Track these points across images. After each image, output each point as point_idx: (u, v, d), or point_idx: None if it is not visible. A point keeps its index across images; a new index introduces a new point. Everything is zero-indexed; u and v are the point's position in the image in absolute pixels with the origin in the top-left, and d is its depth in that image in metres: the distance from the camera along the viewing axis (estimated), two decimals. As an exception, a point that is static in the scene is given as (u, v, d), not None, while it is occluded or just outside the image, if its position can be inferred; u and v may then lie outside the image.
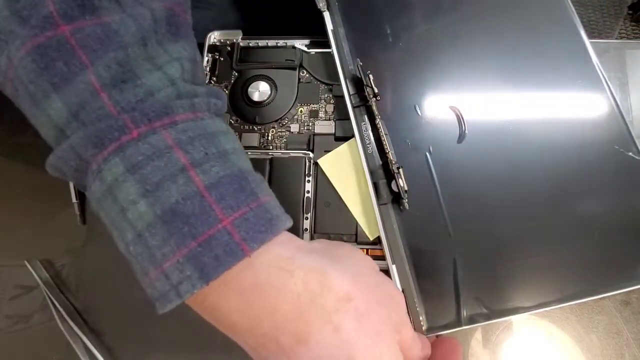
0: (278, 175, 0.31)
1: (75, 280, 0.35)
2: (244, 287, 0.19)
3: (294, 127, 0.33)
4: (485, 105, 0.30)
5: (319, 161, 0.31)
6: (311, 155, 0.32)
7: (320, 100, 0.34)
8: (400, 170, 0.27)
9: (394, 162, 0.27)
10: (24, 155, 0.38)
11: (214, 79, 0.35)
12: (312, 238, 0.30)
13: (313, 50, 0.35)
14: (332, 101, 0.34)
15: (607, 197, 0.28)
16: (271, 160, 0.32)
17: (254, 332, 0.19)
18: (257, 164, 0.32)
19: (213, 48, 0.36)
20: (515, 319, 0.32)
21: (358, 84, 0.30)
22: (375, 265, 0.24)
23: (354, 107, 0.30)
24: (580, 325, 0.31)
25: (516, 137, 0.29)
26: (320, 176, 0.31)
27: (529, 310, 0.26)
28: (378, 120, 0.29)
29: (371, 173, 0.28)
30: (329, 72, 0.34)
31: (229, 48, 0.36)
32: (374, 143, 0.29)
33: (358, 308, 0.20)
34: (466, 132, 0.29)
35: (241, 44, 0.36)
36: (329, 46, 0.32)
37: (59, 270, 0.35)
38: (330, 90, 0.34)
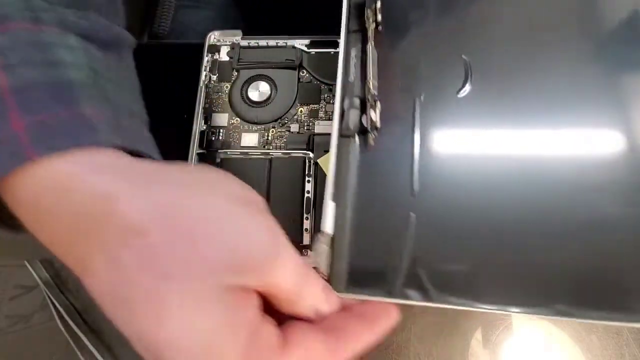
0: (278, 175, 0.31)
1: (75, 280, 0.35)
2: (26, 199, 0.17)
3: (294, 127, 0.33)
4: (503, 65, 0.27)
5: (319, 161, 0.31)
6: (311, 155, 0.32)
7: (320, 100, 0.34)
8: (377, 103, 0.24)
9: (373, 93, 0.25)
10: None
11: (214, 78, 0.35)
12: (312, 238, 0.30)
13: (313, 50, 0.35)
14: (332, 101, 0.34)
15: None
16: (271, 160, 0.32)
17: (51, 250, 0.18)
18: (257, 164, 0.32)
19: (213, 48, 0.36)
20: (513, 318, 0.32)
21: (360, 10, 0.27)
22: (240, 197, 0.19)
23: (349, 32, 0.27)
24: (580, 325, 0.31)
25: (533, 113, 0.26)
26: (320, 176, 0.31)
27: (486, 308, 0.22)
28: (370, 46, 0.26)
29: (342, 99, 0.25)
30: (329, 72, 0.34)
31: (229, 48, 0.36)
32: (359, 74, 0.26)
33: (149, 244, 0.16)
34: (470, 86, 0.26)
35: (241, 44, 0.36)
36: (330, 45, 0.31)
37: (59, 270, 0.35)
38: (330, 90, 0.34)
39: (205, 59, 0.35)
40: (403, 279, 0.22)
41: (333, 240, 0.22)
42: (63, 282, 0.35)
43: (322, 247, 0.22)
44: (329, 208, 0.22)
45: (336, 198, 0.23)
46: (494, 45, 0.28)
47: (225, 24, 0.37)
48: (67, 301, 0.34)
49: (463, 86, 0.26)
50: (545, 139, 0.26)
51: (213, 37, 0.36)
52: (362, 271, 0.22)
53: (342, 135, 0.24)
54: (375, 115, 0.24)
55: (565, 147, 0.25)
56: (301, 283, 0.19)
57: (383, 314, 0.21)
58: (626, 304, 0.22)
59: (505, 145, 0.25)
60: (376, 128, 0.24)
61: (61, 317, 0.33)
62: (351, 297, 0.21)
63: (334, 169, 0.23)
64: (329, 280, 0.21)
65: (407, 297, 0.21)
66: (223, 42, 0.36)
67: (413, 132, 0.25)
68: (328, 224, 0.22)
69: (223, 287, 0.16)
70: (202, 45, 0.36)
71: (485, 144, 0.25)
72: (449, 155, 0.25)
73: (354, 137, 0.24)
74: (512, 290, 0.22)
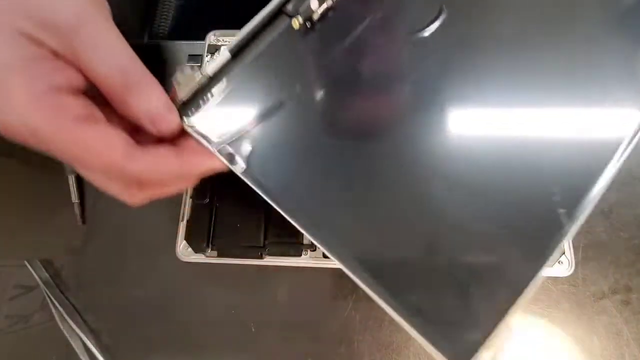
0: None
1: (75, 280, 0.35)
2: None
3: (294, 127, 0.33)
4: (473, 33, 0.26)
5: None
6: (311, 155, 0.32)
7: (320, 100, 0.34)
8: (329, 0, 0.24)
9: None
10: (23, 154, 0.38)
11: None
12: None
13: (313, 50, 0.35)
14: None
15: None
16: (271, 160, 0.32)
17: None
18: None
19: (213, 48, 0.36)
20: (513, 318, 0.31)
21: None
22: None
23: None
24: (580, 325, 0.31)
25: (478, 90, 0.25)
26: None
27: (289, 217, 0.22)
28: None
29: None
30: (329, 72, 0.34)
31: (229, 48, 0.36)
32: None
33: None
34: (430, 33, 0.25)
35: (241, 44, 0.36)
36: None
37: (59, 270, 0.35)
38: (330, 90, 0.34)
39: (206, 59, 0.35)
40: (239, 145, 0.22)
41: (209, 80, 0.23)
42: (63, 282, 0.35)
43: (194, 78, 0.22)
44: (223, 56, 0.23)
45: (235, 53, 0.23)
46: (477, 12, 0.27)
47: (225, 24, 0.37)
48: (67, 301, 0.34)
49: (424, 28, 0.25)
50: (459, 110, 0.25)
51: (213, 37, 0.36)
52: (214, 119, 0.23)
53: (280, 10, 0.24)
54: (315, 5, 0.24)
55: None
56: (129, 79, 0.19)
57: (202, 159, 0.22)
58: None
59: (422, 101, 0.25)
60: (311, 20, 0.24)
61: (61, 317, 0.33)
62: (189, 130, 0.22)
63: (249, 30, 0.23)
64: (181, 106, 0.22)
65: (228, 160, 0.22)
66: (223, 42, 0.36)
67: (343, 43, 0.25)
68: (212, 67, 0.23)
69: (18, 30, 0.18)
70: (202, 45, 0.36)
71: (404, 88, 0.25)
72: (364, 82, 0.25)
73: (290, 17, 0.24)
74: (327, 225, 0.23)
